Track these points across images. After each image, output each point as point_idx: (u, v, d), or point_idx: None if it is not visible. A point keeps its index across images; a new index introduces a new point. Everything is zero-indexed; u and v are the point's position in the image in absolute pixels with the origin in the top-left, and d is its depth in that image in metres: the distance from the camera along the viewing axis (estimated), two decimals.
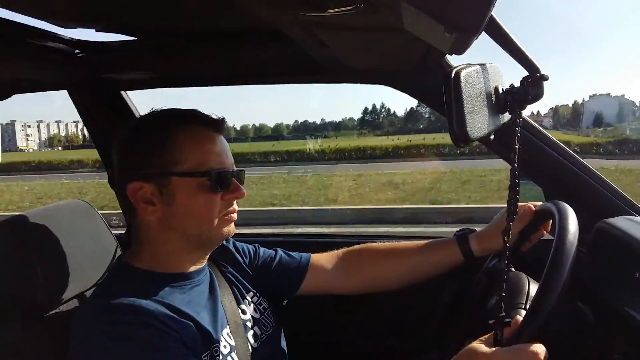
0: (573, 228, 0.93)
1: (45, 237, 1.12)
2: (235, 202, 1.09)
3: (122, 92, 1.75)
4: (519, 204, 1.19)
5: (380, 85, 1.46)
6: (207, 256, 1.14)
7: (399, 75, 1.39)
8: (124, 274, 1.05)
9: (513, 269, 1.17)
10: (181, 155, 1.00)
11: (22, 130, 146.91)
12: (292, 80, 1.62)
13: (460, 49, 0.82)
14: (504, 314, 0.80)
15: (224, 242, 1.28)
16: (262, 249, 1.36)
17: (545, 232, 1.19)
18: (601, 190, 1.30)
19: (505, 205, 0.90)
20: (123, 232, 1.87)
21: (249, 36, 1.32)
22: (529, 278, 1.04)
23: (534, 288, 1.00)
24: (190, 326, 0.98)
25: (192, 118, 1.05)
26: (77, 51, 1.41)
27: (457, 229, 1.33)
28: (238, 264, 1.28)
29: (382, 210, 9.29)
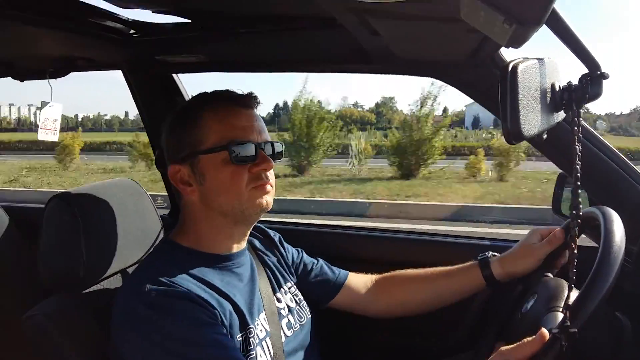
0: (619, 234, 0.90)
1: (93, 212, 1.15)
2: (268, 174, 1.08)
3: (174, 75, 1.78)
4: (549, 228, 1.21)
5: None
6: (247, 235, 1.16)
7: (448, 67, 1.36)
8: (169, 250, 1.08)
9: (551, 275, 1.14)
10: (205, 134, 1.04)
11: None
12: (339, 69, 1.61)
13: (518, 42, 0.79)
14: (569, 323, 0.75)
15: (271, 234, 1.33)
16: (305, 255, 1.39)
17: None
18: None
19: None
20: (166, 212, 1.92)
21: (302, 22, 1.32)
22: (569, 285, 1.02)
23: (573, 295, 0.98)
24: (228, 306, 1.00)
25: (217, 96, 1.09)
26: (132, 31, 1.44)
27: None
28: (282, 256, 1.31)
29: None
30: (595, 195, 1.30)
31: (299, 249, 1.40)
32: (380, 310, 1.38)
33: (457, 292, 1.32)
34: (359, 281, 1.39)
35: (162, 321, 0.90)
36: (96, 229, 1.15)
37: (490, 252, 1.30)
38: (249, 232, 1.16)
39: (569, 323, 0.74)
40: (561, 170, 1.38)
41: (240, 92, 1.10)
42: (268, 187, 1.08)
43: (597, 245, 0.90)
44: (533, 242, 1.22)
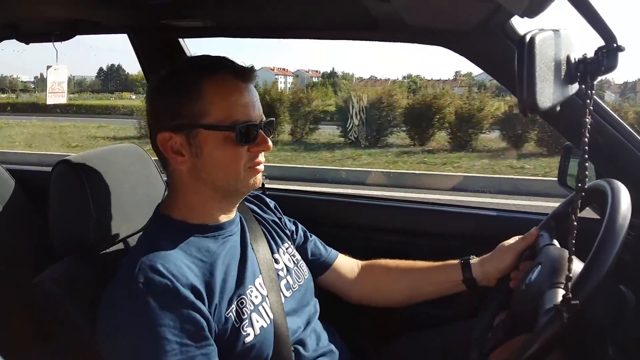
0: (625, 207, 0.90)
1: (100, 177, 1.16)
2: (262, 154, 1.07)
3: (180, 40, 1.76)
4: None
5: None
6: (237, 206, 1.15)
7: (457, 36, 1.35)
8: (160, 226, 1.07)
9: (557, 244, 1.15)
10: (208, 107, 1.00)
11: None
12: (346, 36, 1.60)
13: (535, 12, 0.77)
14: (570, 295, 0.76)
15: (267, 200, 1.34)
16: (300, 226, 1.39)
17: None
18: None
19: None
20: None
21: None
22: (569, 256, 1.03)
23: (576, 266, 0.99)
24: (217, 282, 1.00)
25: (221, 67, 1.03)
26: None
27: None
28: (279, 220, 1.32)
29: None
30: (601, 167, 1.31)
31: (294, 220, 1.40)
32: (361, 295, 1.39)
33: (436, 288, 1.34)
34: (347, 263, 1.40)
35: (140, 318, 0.90)
36: (103, 194, 1.15)
37: (473, 255, 1.32)
38: (239, 203, 1.15)
39: (570, 295, 0.75)
40: (567, 142, 1.38)
41: (239, 63, 1.06)
42: (261, 167, 1.08)
43: (600, 218, 0.91)
44: (509, 243, 1.26)
